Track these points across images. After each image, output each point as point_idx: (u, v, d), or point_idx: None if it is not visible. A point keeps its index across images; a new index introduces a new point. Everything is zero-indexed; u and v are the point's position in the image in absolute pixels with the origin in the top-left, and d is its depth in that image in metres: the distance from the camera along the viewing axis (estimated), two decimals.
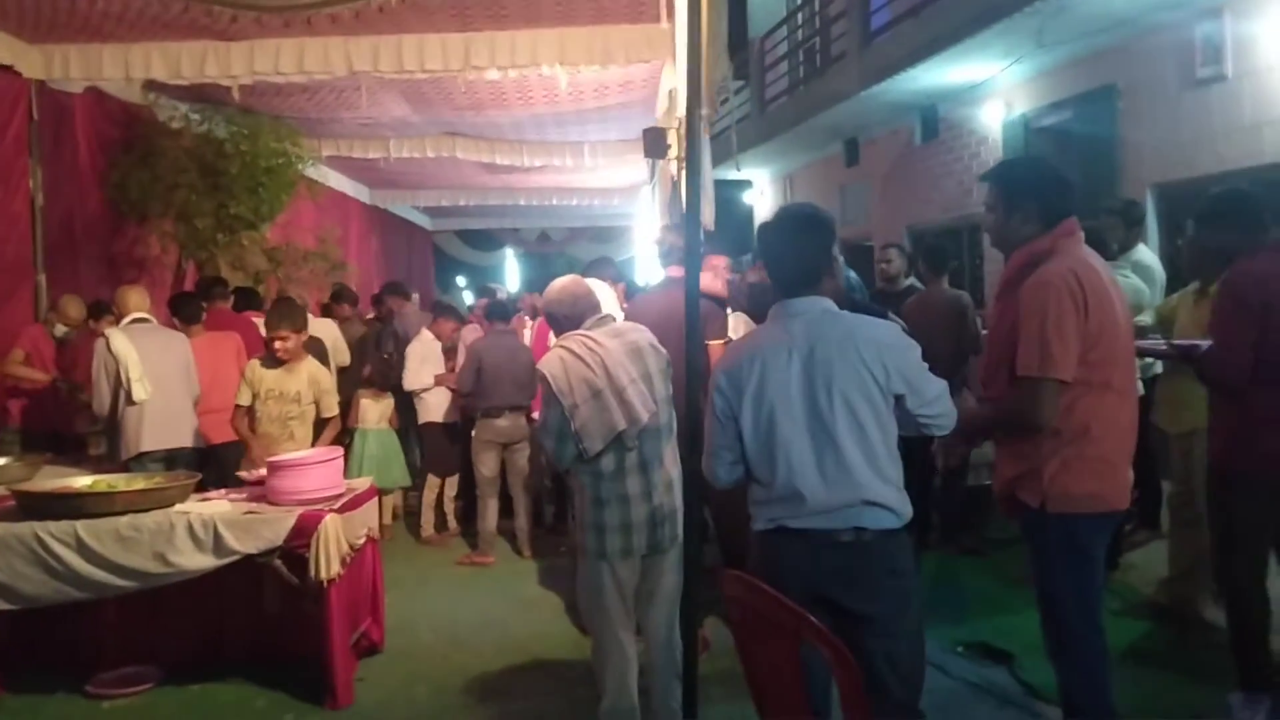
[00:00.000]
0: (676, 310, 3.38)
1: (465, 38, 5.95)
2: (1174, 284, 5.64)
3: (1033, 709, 3.81)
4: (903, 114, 10.35)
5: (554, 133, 9.59)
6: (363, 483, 4.66)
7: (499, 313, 6.90)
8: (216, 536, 3.92)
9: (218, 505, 4.13)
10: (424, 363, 6.84)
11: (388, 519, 7.01)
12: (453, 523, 7.01)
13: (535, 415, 5.08)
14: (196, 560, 3.93)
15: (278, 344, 4.87)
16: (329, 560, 3.95)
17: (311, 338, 7.20)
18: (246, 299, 7.18)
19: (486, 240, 21.56)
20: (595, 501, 3.30)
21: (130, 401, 5.16)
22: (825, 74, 11.35)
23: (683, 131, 5.63)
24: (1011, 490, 2.95)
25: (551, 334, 3.67)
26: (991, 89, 9.05)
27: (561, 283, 3.59)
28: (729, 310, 4.98)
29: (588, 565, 3.36)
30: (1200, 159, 6.68)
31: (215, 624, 4.43)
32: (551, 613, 5.21)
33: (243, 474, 4.67)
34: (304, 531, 3.96)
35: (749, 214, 13.99)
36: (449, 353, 7.07)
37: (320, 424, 5.10)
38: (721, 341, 4.56)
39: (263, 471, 4.41)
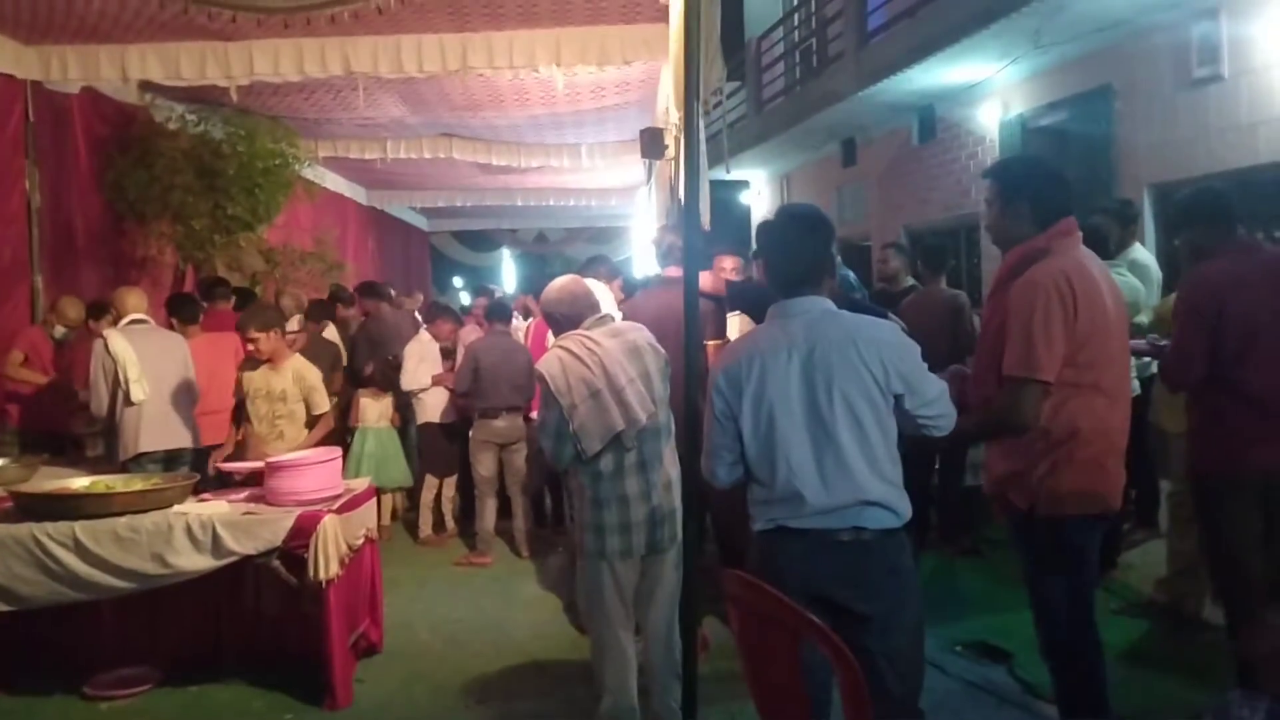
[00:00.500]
0: (673, 310, 3.39)
1: (462, 38, 5.95)
2: (1171, 283, 5.65)
3: (1031, 708, 3.82)
4: (900, 114, 10.36)
5: (551, 134, 9.59)
6: (361, 483, 4.66)
7: (498, 313, 6.89)
8: (215, 537, 3.91)
9: (216, 506, 4.12)
10: (422, 363, 6.84)
11: (386, 519, 7.00)
12: (450, 523, 7.00)
13: (534, 415, 5.08)
14: (195, 561, 3.92)
15: (249, 346, 4.86)
16: (327, 561, 3.94)
17: (326, 340, 7.21)
18: (243, 300, 7.18)
19: (483, 241, 21.56)
20: (594, 502, 3.30)
21: (128, 402, 5.16)
22: (822, 74, 11.36)
23: (679, 133, 5.64)
24: (1002, 491, 2.96)
25: (550, 334, 3.67)
26: (988, 89, 9.06)
27: (560, 282, 3.58)
28: (729, 310, 4.98)
29: (587, 565, 3.36)
30: (1197, 159, 6.69)
31: (213, 625, 4.42)
32: (550, 613, 5.21)
33: (221, 465, 4.69)
34: (303, 532, 3.95)
35: (746, 214, 14.02)
36: (448, 353, 7.06)
37: (314, 421, 5.08)
38: (719, 342, 4.56)
39: (244, 465, 4.46)
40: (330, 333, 7.46)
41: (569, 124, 9.03)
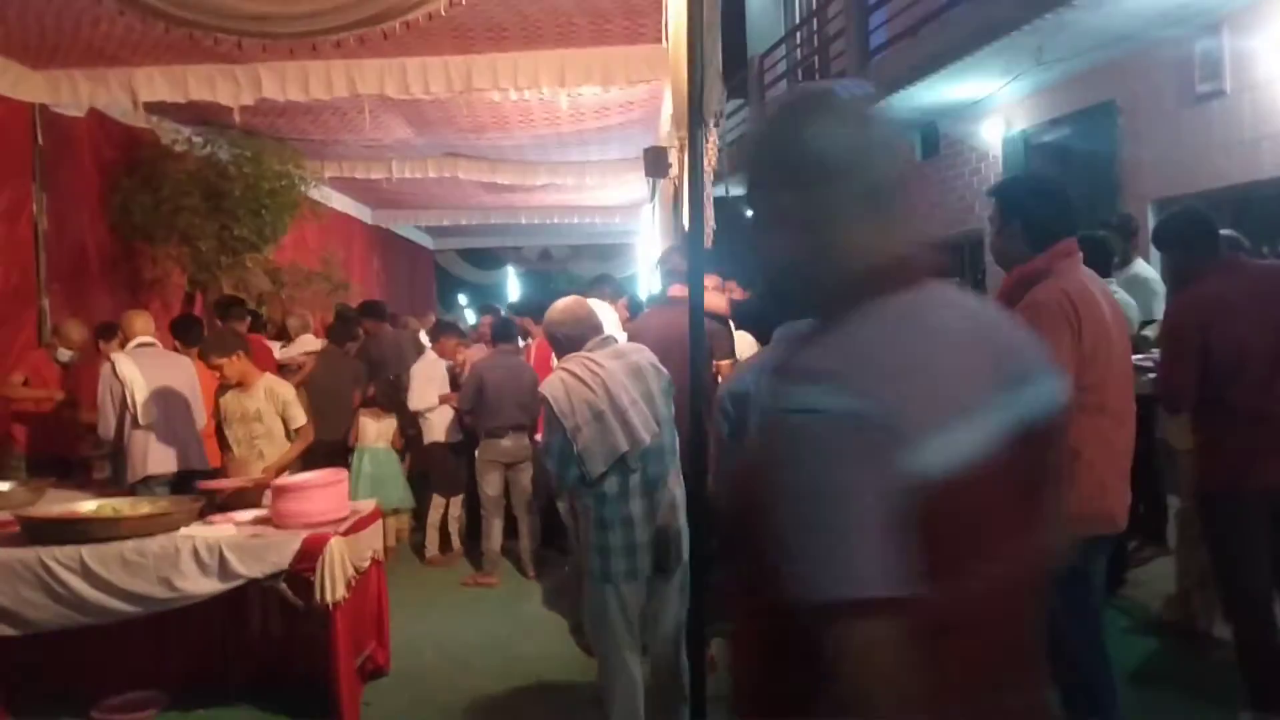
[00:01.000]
0: (678, 330, 3.39)
1: (467, 60, 5.99)
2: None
3: None
4: (903, 131, 10.39)
5: (555, 153, 9.63)
6: (367, 505, 4.65)
7: (503, 332, 6.90)
8: (222, 561, 3.91)
9: (223, 529, 4.12)
10: (429, 382, 6.84)
11: (391, 540, 6.97)
12: (457, 543, 6.99)
13: (539, 436, 5.07)
14: (202, 585, 3.92)
15: (225, 369, 4.87)
16: (334, 583, 3.94)
17: (349, 358, 7.23)
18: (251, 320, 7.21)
19: (488, 259, 21.63)
20: (599, 524, 3.30)
21: (136, 425, 5.16)
22: None
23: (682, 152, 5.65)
24: None
25: (553, 355, 3.67)
26: (991, 106, 9.08)
27: (564, 304, 3.59)
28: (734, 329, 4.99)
29: (592, 588, 3.35)
30: (1200, 174, 6.69)
31: (220, 648, 4.41)
32: (557, 634, 5.20)
33: (203, 484, 4.70)
34: (309, 555, 3.95)
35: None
36: (457, 378, 7.01)
37: (293, 435, 5.08)
38: (730, 361, 4.56)
39: (226, 481, 4.61)
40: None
41: (573, 143, 9.07)
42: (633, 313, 6.65)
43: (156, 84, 6.11)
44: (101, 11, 4.74)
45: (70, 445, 6.09)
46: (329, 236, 11.02)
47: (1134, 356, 3.24)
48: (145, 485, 5.12)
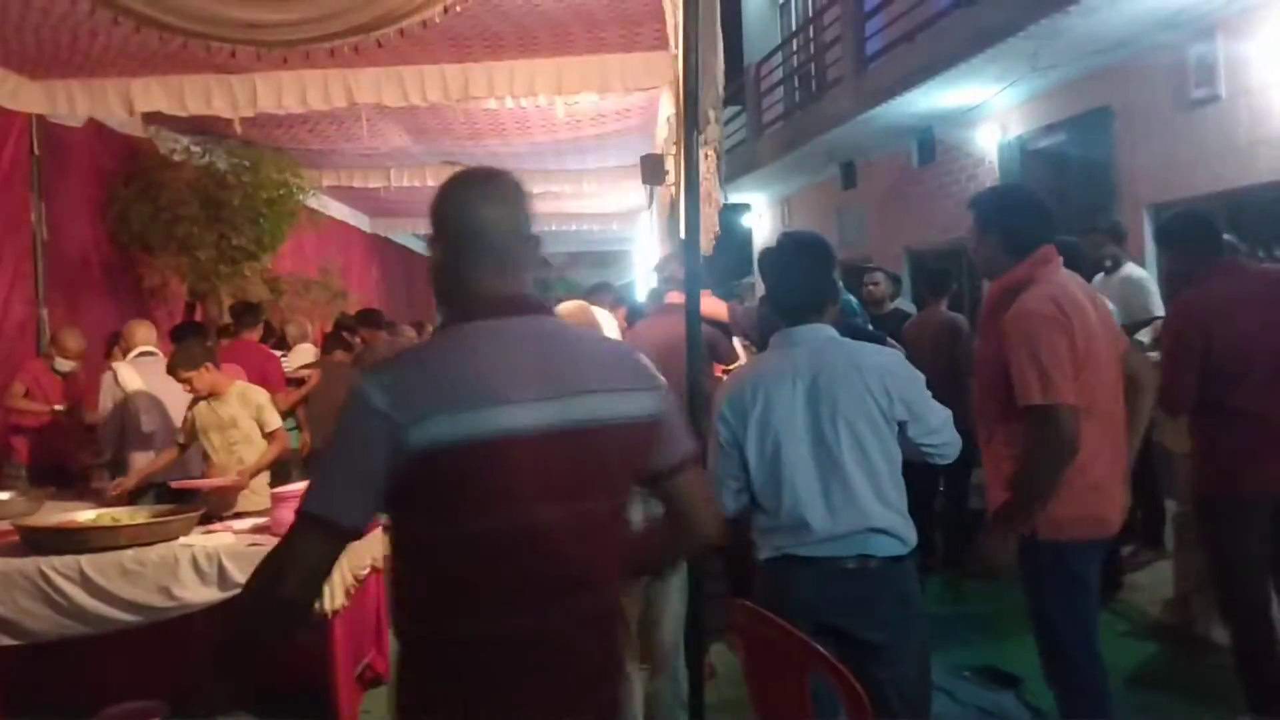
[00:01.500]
0: (676, 337, 3.40)
1: (464, 68, 6.00)
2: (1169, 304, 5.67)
3: None
4: (899, 137, 10.42)
5: (553, 161, 9.64)
6: None
7: None
8: (220, 569, 3.91)
9: (221, 537, 4.13)
10: None
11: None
12: None
13: None
14: (201, 593, 3.91)
15: (195, 382, 4.85)
16: (333, 591, 3.94)
17: (346, 368, 7.23)
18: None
19: None
20: None
21: (138, 434, 5.16)
22: (821, 98, 11.45)
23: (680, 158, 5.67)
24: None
25: None
26: (987, 112, 9.11)
27: (564, 309, 3.60)
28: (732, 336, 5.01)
29: None
30: (1196, 179, 6.72)
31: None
32: None
33: (175, 483, 4.71)
34: None
35: (747, 237, 14.09)
36: None
37: (268, 438, 5.06)
38: (734, 367, 4.58)
39: (199, 481, 4.64)
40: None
41: (570, 150, 9.08)
42: (630, 320, 6.66)
43: (153, 95, 6.12)
44: (98, 22, 4.75)
45: (70, 454, 6.09)
46: (327, 245, 11.03)
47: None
48: (145, 495, 5.12)
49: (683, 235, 3.46)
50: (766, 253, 2.89)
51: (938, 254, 10.39)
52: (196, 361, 4.84)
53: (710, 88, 4.10)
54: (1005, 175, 9.02)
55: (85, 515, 4.34)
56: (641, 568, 1.94)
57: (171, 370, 4.85)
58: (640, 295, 10.04)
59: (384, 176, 9.60)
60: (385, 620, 4.64)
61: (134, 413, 5.14)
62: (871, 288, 6.81)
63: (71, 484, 5.81)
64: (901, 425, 2.59)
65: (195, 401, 4.91)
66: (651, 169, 6.98)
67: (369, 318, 8.22)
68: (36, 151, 6.73)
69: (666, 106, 6.16)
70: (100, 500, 4.90)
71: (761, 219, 15.82)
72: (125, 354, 5.51)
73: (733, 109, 13.86)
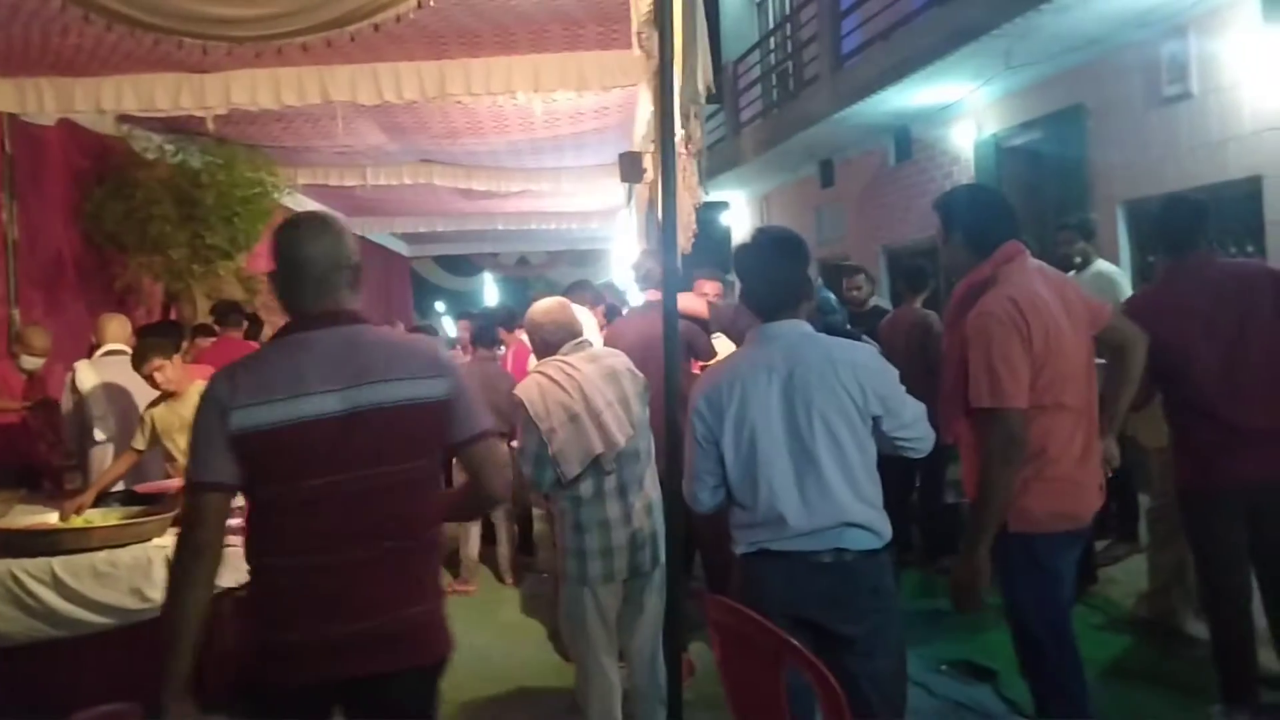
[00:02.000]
0: (655, 334, 3.40)
1: (440, 65, 5.96)
2: None
3: None
4: (876, 135, 10.46)
5: (531, 159, 9.61)
6: None
7: (483, 338, 6.88)
8: None
9: None
10: None
11: None
12: None
13: (516, 443, 5.06)
14: None
15: (157, 375, 4.73)
16: None
17: None
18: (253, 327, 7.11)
19: (465, 265, 21.55)
20: (575, 527, 3.31)
21: (95, 437, 5.08)
22: (798, 97, 11.48)
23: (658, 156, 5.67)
24: None
25: (530, 359, 3.69)
26: (962, 110, 9.16)
27: (545, 305, 3.61)
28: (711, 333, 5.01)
29: (569, 591, 3.35)
30: (1168, 175, 6.77)
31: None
32: (535, 640, 5.19)
33: (138, 488, 4.65)
34: None
35: (726, 234, 14.11)
36: None
37: None
38: (714, 362, 4.58)
39: (161, 484, 4.53)
40: None
41: (548, 149, 9.05)
42: (609, 318, 6.66)
43: (125, 94, 6.04)
44: (69, 20, 4.69)
45: (40, 455, 6.01)
46: None
47: None
48: (109, 499, 5.04)
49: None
50: (742, 249, 2.90)
51: (914, 251, 10.43)
52: (169, 350, 4.76)
53: (691, 84, 4.11)
54: (981, 173, 9.07)
55: (56, 517, 4.30)
56: (448, 515, 2.47)
57: (145, 358, 4.76)
58: (618, 293, 10.04)
59: (360, 175, 9.54)
60: None
61: (89, 413, 5.05)
62: (854, 292, 6.93)
63: (42, 485, 5.75)
64: (876, 420, 2.61)
65: (154, 403, 4.83)
66: (630, 166, 6.97)
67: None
68: (8, 150, 6.66)
69: (645, 104, 6.15)
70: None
71: (740, 217, 15.84)
72: (93, 351, 5.43)
73: (711, 106, 13.86)
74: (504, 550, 6.42)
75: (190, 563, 2.15)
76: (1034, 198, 8.56)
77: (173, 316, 7.87)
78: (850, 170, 11.91)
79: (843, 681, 2.33)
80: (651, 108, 4.51)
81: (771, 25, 14.17)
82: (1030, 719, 3.66)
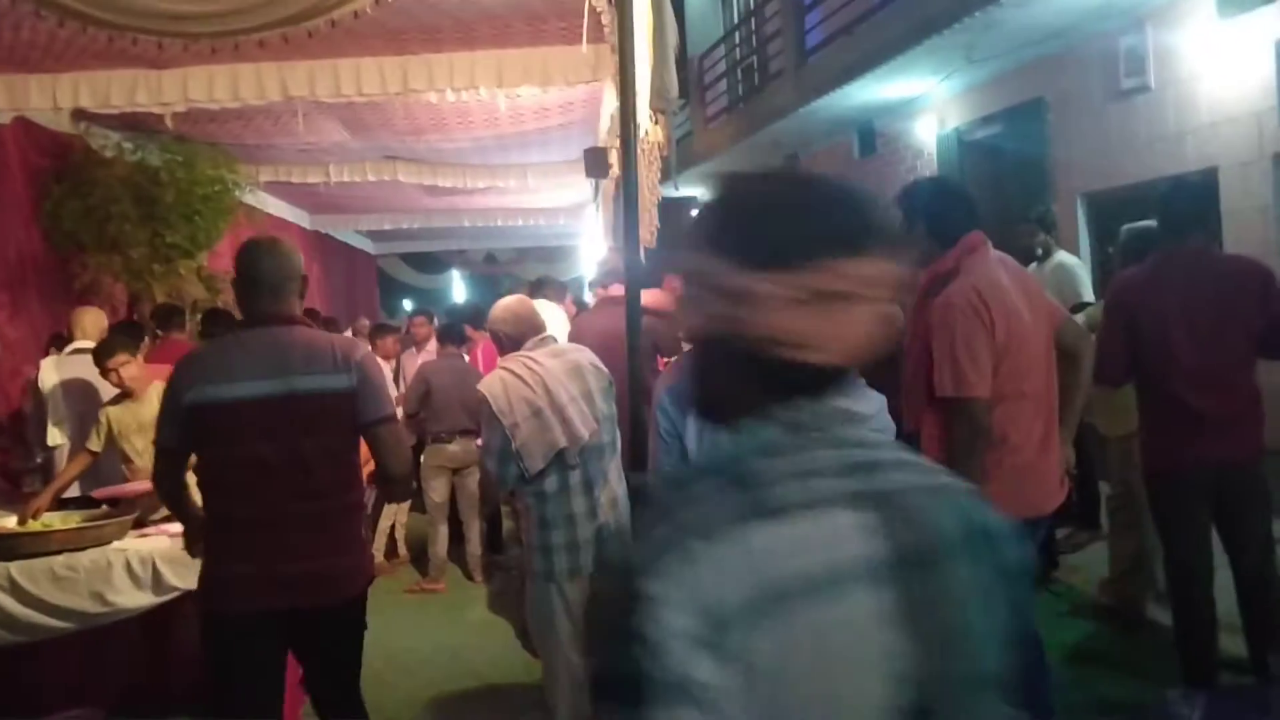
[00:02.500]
0: (619, 329, 3.40)
1: (402, 61, 5.92)
2: (1103, 290, 5.80)
3: None
4: (840, 129, 10.52)
5: (496, 155, 9.56)
6: None
7: (450, 335, 6.85)
8: (155, 573, 3.83)
9: (156, 542, 4.04)
10: None
11: None
12: (403, 549, 6.93)
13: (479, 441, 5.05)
14: (135, 598, 3.83)
15: (121, 371, 4.67)
16: None
17: None
18: (213, 321, 7.01)
19: (432, 263, 21.42)
20: (541, 523, 3.30)
21: (54, 438, 5.00)
22: (764, 91, 11.51)
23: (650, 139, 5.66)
24: None
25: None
26: (925, 104, 9.23)
27: (507, 303, 3.60)
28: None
29: (535, 587, 3.35)
30: (1126, 168, 6.87)
31: (159, 663, 4.32)
32: (503, 638, 5.16)
33: (96, 493, 4.59)
34: None
35: None
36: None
37: None
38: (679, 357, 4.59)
39: (121, 488, 4.45)
40: None
41: (513, 145, 9.02)
42: (580, 312, 6.65)
43: (81, 91, 5.95)
44: (21, 16, 4.61)
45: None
46: None
47: None
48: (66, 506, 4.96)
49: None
50: None
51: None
52: (131, 346, 4.69)
53: (658, 79, 4.11)
54: (943, 166, 9.15)
55: (12, 521, 4.23)
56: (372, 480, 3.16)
57: (107, 355, 4.69)
58: (588, 289, 10.03)
59: (323, 172, 9.46)
60: None
61: (49, 413, 4.96)
62: None
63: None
64: None
65: (112, 402, 4.76)
66: (595, 162, 6.95)
67: (308, 317, 8.13)
68: None
69: (610, 99, 6.14)
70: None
71: None
72: (63, 345, 5.33)
73: (678, 101, 13.86)
74: (472, 548, 6.40)
75: (164, 499, 3.13)
76: (996, 190, 8.65)
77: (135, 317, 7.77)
78: (816, 164, 11.96)
79: None
80: (616, 103, 4.52)
81: (736, 20, 14.20)
82: None
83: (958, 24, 6.87)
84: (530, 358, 3.36)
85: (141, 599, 3.84)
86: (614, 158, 6.08)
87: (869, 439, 0.99)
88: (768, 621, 0.84)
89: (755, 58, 12.83)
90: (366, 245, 17.47)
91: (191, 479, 2.94)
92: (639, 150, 3.67)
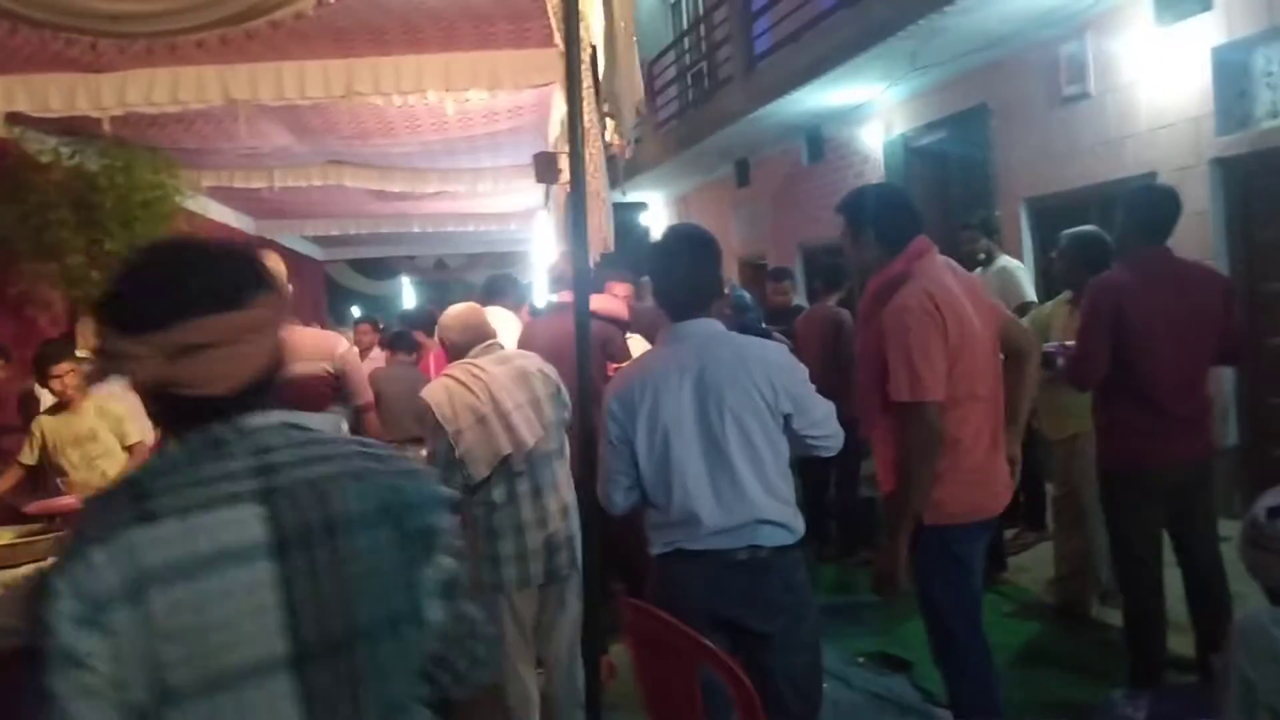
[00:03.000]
0: (570, 335, 3.37)
1: (347, 64, 5.83)
2: (1049, 292, 5.90)
3: (931, 715, 3.89)
4: (789, 135, 10.58)
5: (445, 160, 9.47)
6: None
7: (401, 343, 6.76)
8: None
9: None
10: None
11: None
12: None
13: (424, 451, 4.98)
14: None
15: (65, 380, 4.56)
16: None
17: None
18: None
19: (381, 269, 21.20)
20: (489, 532, 3.26)
21: None
22: (714, 97, 11.54)
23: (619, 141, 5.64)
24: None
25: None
26: (872, 110, 9.32)
27: (455, 310, 3.58)
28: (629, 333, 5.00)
29: (484, 598, 3.30)
30: (1068, 173, 6.98)
31: None
32: None
33: (30, 508, 4.47)
34: None
35: (645, 235, 14.14)
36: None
37: (129, 450, 4.84)
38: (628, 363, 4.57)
39: (54, 502, 4.35)
40: None
41: (463, 150, 8.94)
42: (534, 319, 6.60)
43: (16, 94, 5.79)
44: None
45: None
46: None
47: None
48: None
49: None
50: (653, 249, 2.89)
51: (830, 250, 10.58)
52: (73, 357, 4.59)
53: (610, 83, 4.10)
54: (890, 172, 9.24)
55: None
56: None
57: (50, 363, 4.57)
58: (538, 295, 9.97)
59: (267, 177, 9.29)
60: None
61: None
62: (780, 296, 7.13)
63: None
64: (787, 418, 2.62)
65: (48, 411, 4.63)
66: (544, 167, 6.93)
67: None
68: None
69: (560, 104, 6.11)
70: None
71: (659, 217, 15.89)
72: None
73: (641, 104, 13.84)
74: None
75: None
76: (942, 196, 8.76)
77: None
78: (766, 170, 12.03)
79: (759, 677, 2.34)
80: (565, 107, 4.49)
81: (686, 26, 14.24)
82: (943, 706, 3.75)
83: (903, 31, 6.93)
84: (475, 364, 3.33)
85: None
86: (564, 162, 6.05)
87: (302, 440, 1.26)
88: (143, 601, 1.11)
89: (705, 64, 12.87)
90: (314, 251, 17.25)
91: None
92: (587, 155, 3.64)
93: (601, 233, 4.92)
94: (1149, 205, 3.66)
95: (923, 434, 2.82)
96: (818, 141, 10.45)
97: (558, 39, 3.85)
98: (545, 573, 3.30)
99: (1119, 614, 3.84)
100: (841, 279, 6.42)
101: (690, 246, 2.81)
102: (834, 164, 10.34)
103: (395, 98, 6.07)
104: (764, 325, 6.37)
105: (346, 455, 1.29)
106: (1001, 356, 3.10)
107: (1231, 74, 5.72)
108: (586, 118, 3.45)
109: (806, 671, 2.66)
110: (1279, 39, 5.44)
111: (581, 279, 3.23)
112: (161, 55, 4.79)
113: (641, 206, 15.87)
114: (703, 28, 12.86)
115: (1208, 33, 5.72)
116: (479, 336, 3.44)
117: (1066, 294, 4.65)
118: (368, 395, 3.61)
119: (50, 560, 3.77)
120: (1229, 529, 3.49)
